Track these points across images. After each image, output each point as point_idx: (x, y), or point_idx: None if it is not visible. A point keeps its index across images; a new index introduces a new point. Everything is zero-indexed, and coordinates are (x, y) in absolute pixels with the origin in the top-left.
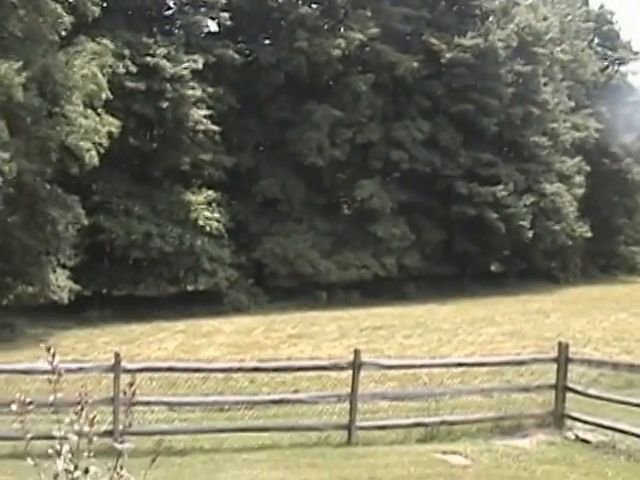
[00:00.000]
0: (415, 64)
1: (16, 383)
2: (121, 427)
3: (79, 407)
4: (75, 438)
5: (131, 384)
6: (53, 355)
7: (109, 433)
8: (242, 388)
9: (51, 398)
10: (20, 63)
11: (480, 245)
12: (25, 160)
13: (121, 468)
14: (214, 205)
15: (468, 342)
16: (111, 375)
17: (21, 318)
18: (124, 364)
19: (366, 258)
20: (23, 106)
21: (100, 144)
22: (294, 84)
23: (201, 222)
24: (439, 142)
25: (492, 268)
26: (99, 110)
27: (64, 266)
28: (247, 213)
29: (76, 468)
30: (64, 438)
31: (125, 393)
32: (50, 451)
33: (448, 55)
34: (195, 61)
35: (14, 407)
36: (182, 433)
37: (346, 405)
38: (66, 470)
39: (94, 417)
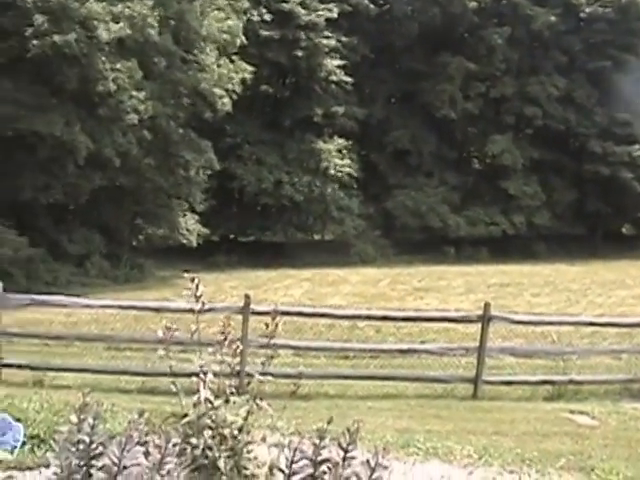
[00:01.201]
0: (552, 18)
1: (145, 322)
2: (260, 362)
3: (223, 337)
4: (217, 368)
5: (274, 317)
6: (197, 286)
7: (237, 374)
8: (368, 337)
9: (193, 327)
10: (152, 2)
11: (612, 206)
12: (159, 103)
13: (261, 399)
14: (345, 152)
15: (597, 304)
16: (239, 317)
17: (150, 260)
18: (253, 306)
19: (495, 215)
20: (158, 49)
21: (233, 91)
22: (428, 35)
23: (332, 171)
24: (574, 99)
25: (624, 230)
26: (233, 57)
27: (194, 210)
28: (378, 164)
29: (217, 397)
30: (206, 369)
31: (268, 326)
32: (194, 379)
33: (587, 10)
34: (330, 10)
35: (160, 334)
36: (308, 378)
37: (473, 359)
38: (206, 399)
39: (237, 347)
